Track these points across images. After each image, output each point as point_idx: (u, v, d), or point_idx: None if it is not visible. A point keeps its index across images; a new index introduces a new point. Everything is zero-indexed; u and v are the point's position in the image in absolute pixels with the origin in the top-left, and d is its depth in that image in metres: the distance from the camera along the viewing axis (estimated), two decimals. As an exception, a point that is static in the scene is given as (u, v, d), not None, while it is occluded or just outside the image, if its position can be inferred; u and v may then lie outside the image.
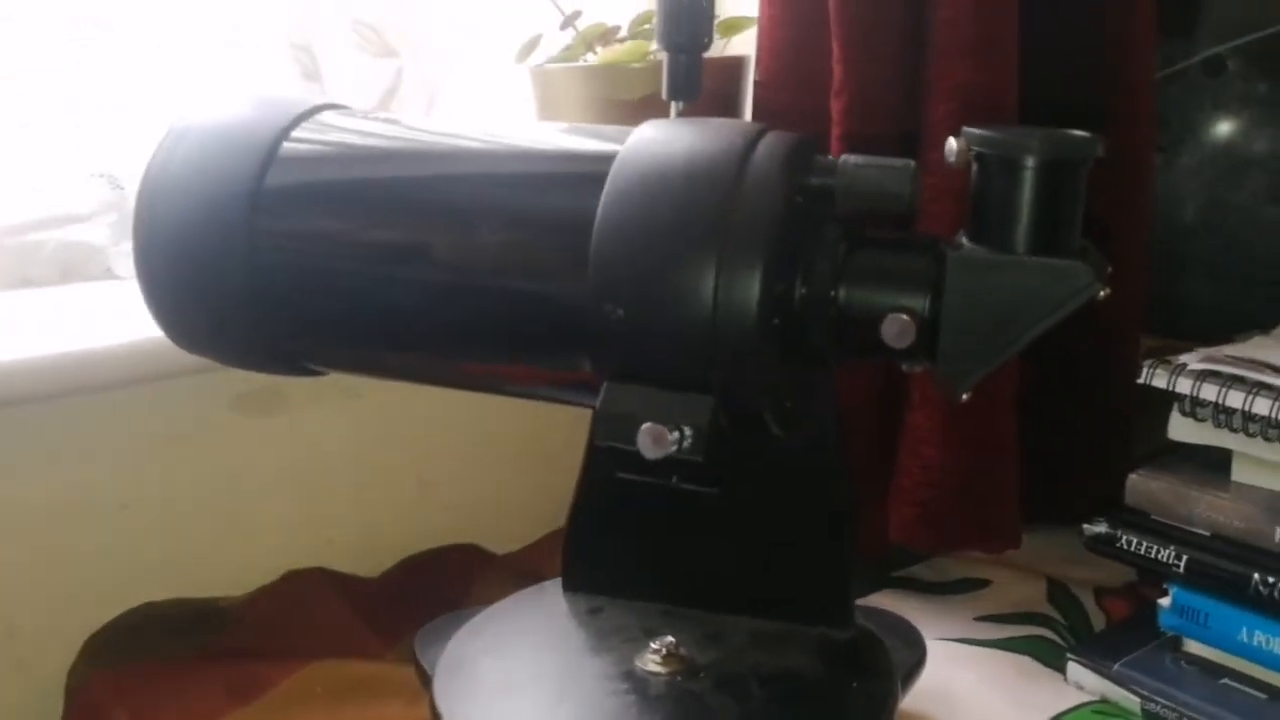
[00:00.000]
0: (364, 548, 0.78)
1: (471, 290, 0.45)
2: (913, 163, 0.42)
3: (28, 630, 0.68)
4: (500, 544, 0.83)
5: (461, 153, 0.47)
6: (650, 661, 0.55)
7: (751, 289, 0.40)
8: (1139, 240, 0.77)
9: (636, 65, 0.82)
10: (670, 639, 0.56)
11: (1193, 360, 0.63)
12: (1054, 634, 0.70)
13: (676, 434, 0.40)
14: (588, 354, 0.43)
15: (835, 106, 0.68)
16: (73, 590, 0.69)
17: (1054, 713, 0.62)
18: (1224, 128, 0.77)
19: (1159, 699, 0.61)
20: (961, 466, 0.68)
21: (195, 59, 0.90)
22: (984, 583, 0.76)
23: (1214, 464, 0.64)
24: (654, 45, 0.83)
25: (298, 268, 0.48)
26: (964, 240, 0.42)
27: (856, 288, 0.42)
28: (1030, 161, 0.39)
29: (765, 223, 0.41)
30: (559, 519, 0.84)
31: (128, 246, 0.87)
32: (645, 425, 0.40)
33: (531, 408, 0.82)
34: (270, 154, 0.47)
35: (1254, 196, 0.77)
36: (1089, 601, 0.74)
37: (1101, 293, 0.39)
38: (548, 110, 0.88)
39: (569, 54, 0.86)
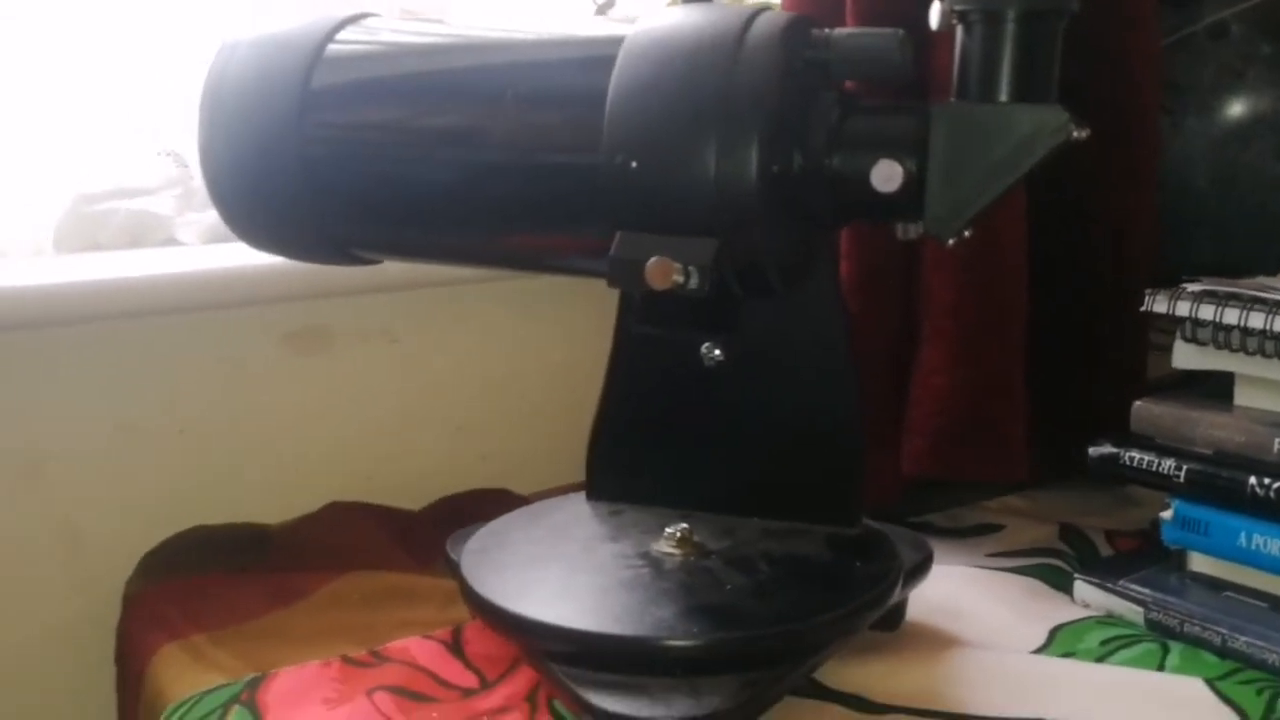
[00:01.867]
0: (401, 487, 0.82)
1: (500, 163, 0.49)
2: (902, 30, 0.46)
3: (91, 542, 0.73)
4: (530, 491, 0.87)
5: (489, 43, 0.52)
6: (665, 545, 0.58)
7: (749, 157, 0.44)
8: (1148, 203, 0.80)
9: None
10: (685, 525, 0.59)
11: (1192, 285, 0.66)
12: (1063, 563, 0.72)
13: (682, 272, 0.44)
14: (604, 209, 0.47)
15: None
16: (132, 507, 0.73)
17: (1058, 622, 0.64)
18: (1229, 90, 0.81)
19: (1161, 608, 0.62)
20: (970, 396, 0.71)
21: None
22: (998, 527, 0.78)
23: (1218, 391, 0.66)
24: None
25: (344, 156, 0.53)
26: (952, 99, 0.46)
27: (849, 150, 0.46)
28: (1009, 14, 0.43)
29: (763, 93, 0.45)
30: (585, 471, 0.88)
31: (191, 217, 0.94)
32: (653, 260, 0.44)
33: (559, 360, 0.87)
34: (316, 55, 0.53)
35: (1260, 156, 0.80)
36: (1100, 540, 0.75)
37: (1077, 133, 0.42)
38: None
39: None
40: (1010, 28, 0.43)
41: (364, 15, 0.55)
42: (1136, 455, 0.65)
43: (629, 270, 0.45)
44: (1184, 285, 0.66)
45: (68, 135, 0.91)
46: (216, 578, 0.71)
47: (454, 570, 0.60)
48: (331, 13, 0.56)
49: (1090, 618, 0.65)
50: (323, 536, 0.76)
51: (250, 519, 0.77)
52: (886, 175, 0.44)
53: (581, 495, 0.67)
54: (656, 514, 0.63)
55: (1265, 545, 0.61)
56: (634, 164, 0.45)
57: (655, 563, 0.57)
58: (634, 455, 0.65)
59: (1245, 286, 0.64)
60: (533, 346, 0.88)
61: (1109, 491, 0.81)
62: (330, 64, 0.53)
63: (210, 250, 0.90)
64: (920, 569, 0.62)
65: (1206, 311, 0.64)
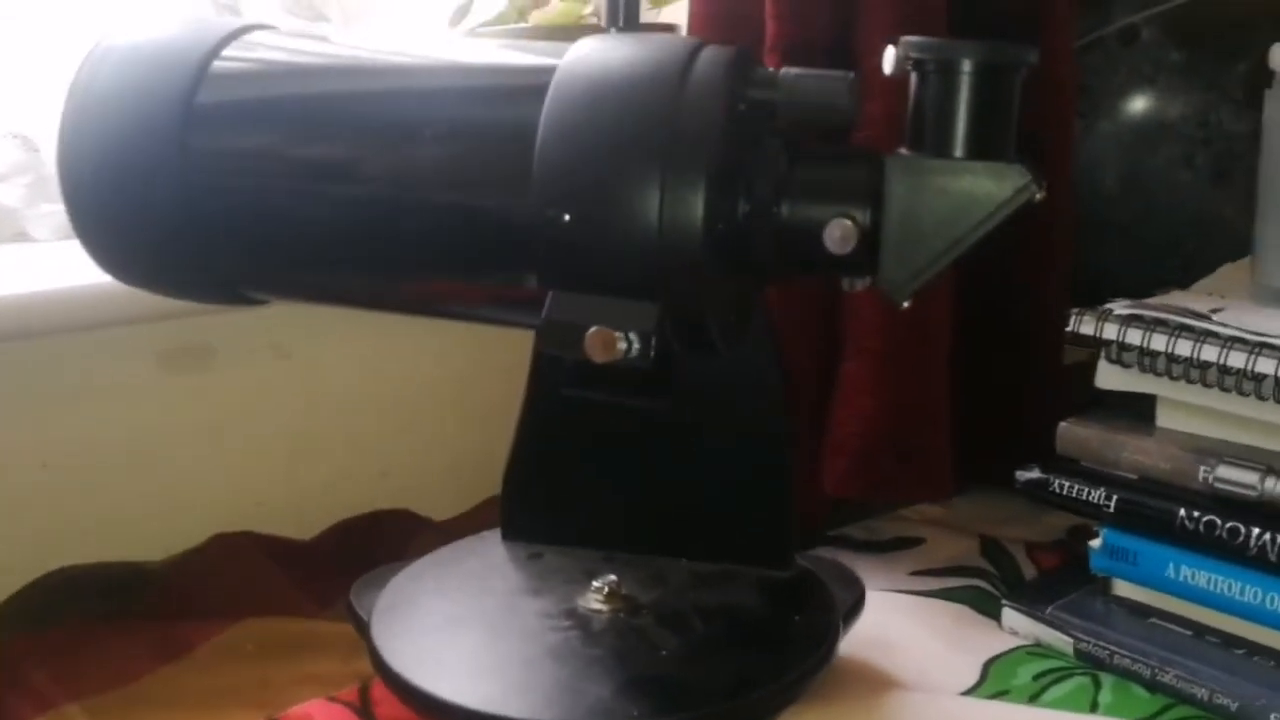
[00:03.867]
0: (294, 511, 0.77)
1: (412, 205, 0.44)
2: (852, 75, 0.42)
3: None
4: (434, 510, 0.82)
5: (399, 66, 0.46)
6: (593, 600, 0.55)
7: (696, 203, 0.40)
8: (1065, 207, 0.79)
9: (570, 28, 0.82)
10: (612, 578, 0.55)
11: (1118, 307, 0.65)
12: (988, 584, 0.71)
13: (624, 341, 0.40)
14: (532, 264, 0.43)
15: (769, 62, 0.69)
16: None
17: (989, 654, 0.63)
18: (1139, 95, 0.80)
19: (1090, 639, 0.62)
20: (895, 416, 0.69)
21: (116, 18, 0.88)
22: (918, 541, 0.77)
23: (1140, 413, 0.65)
24: (588, 8, 0.84)
25: (233, 186, 0.47)
26: (902, 150, 0.43)
27: (798, 201, 0.42)
28: (966, 66, 0.40)
29: (709, 134, 0.41)
30: (493, 487, 0.84)
31: (44, 209, 0.85)
32: (593, 329, 0.40)
33: (464, 370, 0.82)
34: (201, 71, 0.46)
35: (1169, 162, 0.79)
36: (1020, 555, 0.75)
37: (1038, 195, 0.40)
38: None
39: (501, 18, 0.86)
40: (967, 79, 0.40)
41: (256, 26, 0.49)
42: (1065, 483, 0.64)
43: (566, 337, 0.41)
44: (1109, 306, 0.65)
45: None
46: (88, 628, 0.64)
47: (361, 631, 0.56)
48: (217, 20, 0.49)
49: (1020, 648, 0.64)
50: (208, 575, 0.70)
51: (125, 557, 0.71)
52: (841, 236, 0.40)
53: (496, 534, 0.63)
54: (579, 558, 0.60)
55: (1193, 577, 0.60)
56: (566, 217, 0.41)
57: (583, 622, 0.53)
58: (552, 494, 0.61)
59: (1169, 309, 0.63)
60: (433, 354, 0.83)
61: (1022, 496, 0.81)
62: (218, 81, 0.47)
63: (67, 248, 0.82)
64: (854, 609, 0.59)
65: (1134, 336, 0.63)
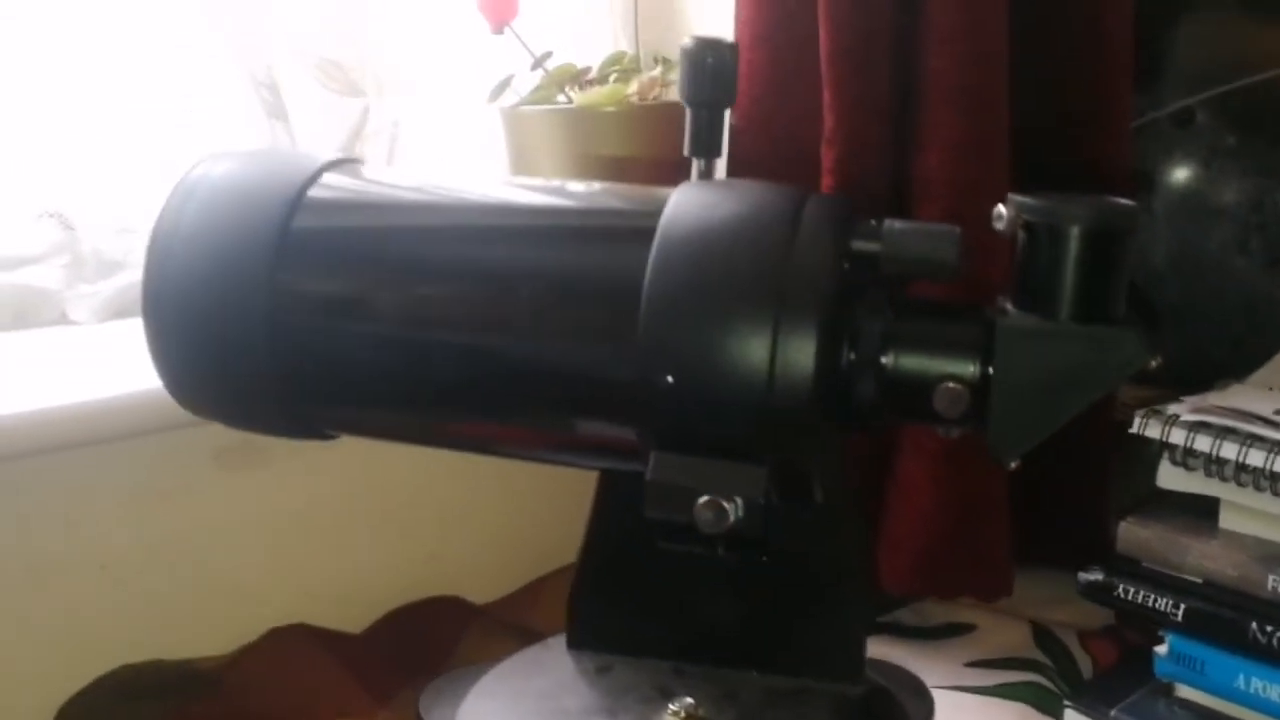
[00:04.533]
0: (346, 600, 0.76)
1: (509, 359, 0.44)
2: (957, 229, 0.42)
3: (4, 699, 0.65)
4: (481, 594, 0.82)
5: (493, 210, 0.46)
6: (670, 723, 0.54)
7: (808, 353, 0.40)
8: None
9: (612, 110, 0.82)
10: (689, 700, 0.55)
11: (1184, 411, 0.64)
12: (1046, 680, 0.71)
13: (733, 509, 0.40)
14: (633, 422, 0.42)
15: (827, 155, 0.69)
16: (47, 655, 0.66)
17: (1056, 761, 0.63)
18: (1193, 178, 0.80)
19: (1157, 748, 0.62)
20: (954, 516, 0.69)
21: (152, 94, 0.88)
22: (969, 627, 0.77)
23: (1201, 510, 0.65)
24: (631, 89, 0.84)
25: (323, 329, 0.46)
26: (1008, 306, 0.42)
27: (906, 354, 0.42)
28: (1077, 231, 0.40)
29: (820, 287, 0.41)
30: (539, 568, 0.84)
31: (82, 290, 0.85)
32: (703, 499, 0.39)
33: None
34: (292, 210, 0.46)
35: (1222, 247, 0.79)
36: (1074, 644, 0.75)
37: (1154, 363, 0.40)
38: (520, 153, 0.87)
39: (540, 95, 0.86)
40: (1078, 243, 0.40)
41: (339, 161, 0.49)
42: (1131, 588, 0.64)
43: (674, 501, 0.40)
44: (1174, 410, 0.65)
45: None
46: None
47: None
48: (296, 157, 0.49)
49: (1085, 752, 0.64)
50: (269, 672, 0.70)
51: (183, 655, 0.70)
52: (951, 401, 0.40)
53: (561, 642, 0.62)
54: (648, 670, 0.59)
55: (1265, 690, 0.60)
56: (670, 380, 0.40)
57: (663, 750, 0.53)
58: (620, 603, 0.61)
59: (1234, 414, 0.63)
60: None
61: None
62: (307, 219, 0.46)
63: (109, 332, 0.82)
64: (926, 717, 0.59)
65: (1202, 443, 0.63)
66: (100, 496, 0.67)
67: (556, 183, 0.47)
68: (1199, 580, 0.63)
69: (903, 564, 0.69)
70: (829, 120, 0.68)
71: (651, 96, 0.83)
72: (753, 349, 0.40)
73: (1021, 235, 0.41)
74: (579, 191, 0.46)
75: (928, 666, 0.72)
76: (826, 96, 0.68)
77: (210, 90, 0.87)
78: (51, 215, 0.87)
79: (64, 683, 0.66)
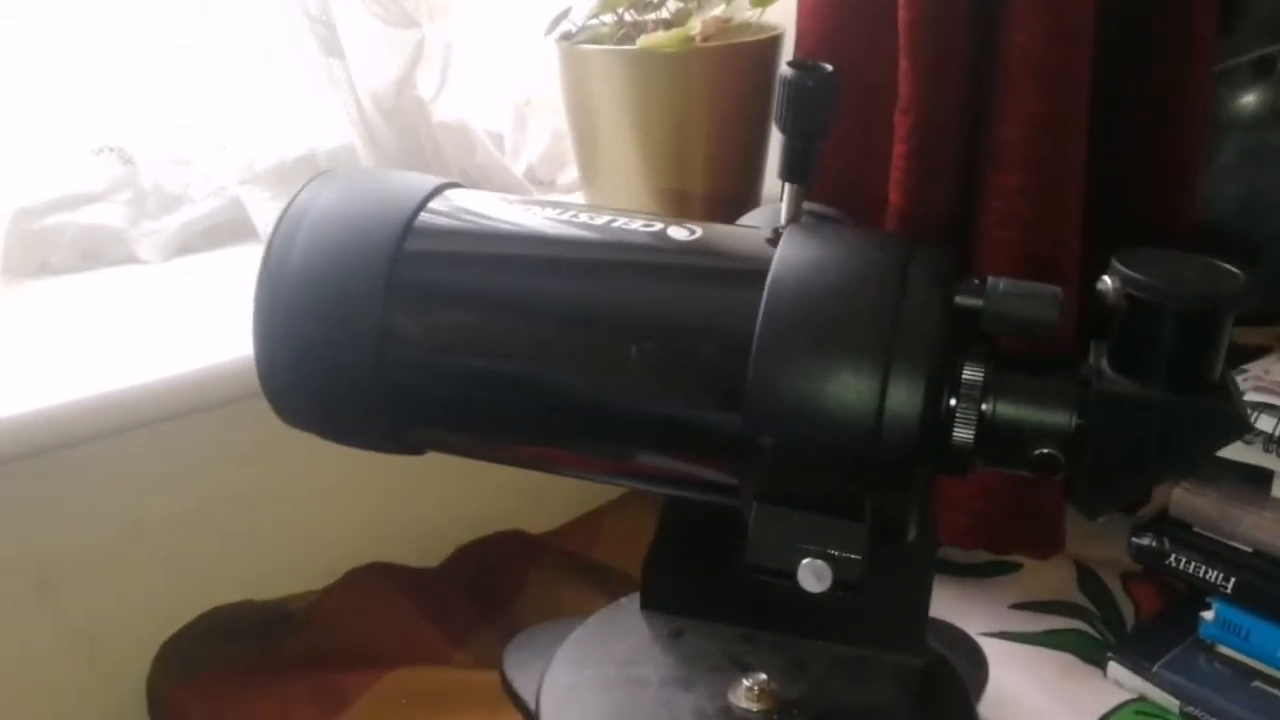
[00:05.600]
0: (418, 538, 0.80)
1: (617, 399, 0.45)
2: (1059, 291, 0.43)
3: (107, 641, 0.69)
4: (543, 527, 0.85)
5: (604, 246, 0.46)
6: (744, 698, 0.58)
7: (916, 399, 0.41)
8: (1189, 240, 0.78)
9: (673, 51, 0.80)
10: (762, 676, 0.59)
11: (1248, 387, 0.66)
12: (1090, 627, 0.74)
13: (832, 568, 0.42)
14: (736, 471, 0.44)
15: (901, 123, 0.68)
16: (148, 599, 0.70)
17: (1100, 713, 0.67)
18: (1268, 125, 0.79)
19: (1195, 706, 0.65)
20: (1010, 477, 0.71)
21: (205, 32, 0.86)
22: (1015, 566, 0.80)
23: (1256, 479, 0.67)
24: (693, 28, 0.82)
25: (428, 364, 0.48)
26: (1105, 366, 0.43)
27: (1005, 403, 0.44)
28: (1180, 309, 0.41)
29: (928, 337, 0.42)
30: (596, 499, 0.87)
31: (147, 227, 0.86)
32: (806, 561, 0.42)
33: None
34: (399, 242, 0.47)
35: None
36: (1116, 588, 0.78)
37: (1247, 435, 0.41)
38: (576, 91, 0.86)
39: (594, 32, 0.84)
40: (1178, 319, 0.41)
41: (444, 186, 0.49)
42: (1183, 558, 0.67)
43: (777, 560, 0.43)
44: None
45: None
46: (250, 674, 0.68)
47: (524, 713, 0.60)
48: (406, 179, 0.49)
49: (1128, 703, 0.68)
50: (349, 612, 0.74)
51: (272, 595, 0.74)
52: (1048, 466, 0.42)
53: (634, 604, 0.66)
54: (719, 637, 0.63)
55: (1307, 661, 0.63)
56: (771, 441, 0.42)
57: (739, 725, 0.57)
58: (694, 569, 0.64)
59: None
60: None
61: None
62: (417, 246, 0.47)
63: (176, 270, 0.83)
64: (981, 688, 0.63)
65: (1264, 424, 0.64)
66: (192, 455, 0.70)
67: (659, 222, 0.47)
68: (1249, 550, 0.66)
69: (959, 523, 0.72)
70: (905, 89, 0.67)
71: (715, 36, 0.81)
72: (861, 393, 0.41)
73: (1124, 301, 0.42)
74: (683, 234, 0.47)
75: (975, 609, 0.76)
76: (903, 65, 0.66)
77: (262, 28, 0.85)
78: (110, 150, 0.87)
79: (163, 624, 0.70)
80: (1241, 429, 0.40)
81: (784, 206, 0.51)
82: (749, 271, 0.44)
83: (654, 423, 0.45)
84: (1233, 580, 0.65)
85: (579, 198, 0.94)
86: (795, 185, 0.50)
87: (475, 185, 0.98)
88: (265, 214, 0.88)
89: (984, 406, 0.44)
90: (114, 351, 0.67)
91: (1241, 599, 0.65)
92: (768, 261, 0.44)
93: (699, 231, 0.46)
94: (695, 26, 0.81)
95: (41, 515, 0.66)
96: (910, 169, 0.68)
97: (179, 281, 0.82)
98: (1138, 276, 0.41)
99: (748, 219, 0.53)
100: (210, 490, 0.71)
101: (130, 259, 0.85)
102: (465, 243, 0.48)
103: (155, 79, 0.86)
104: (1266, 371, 0.69)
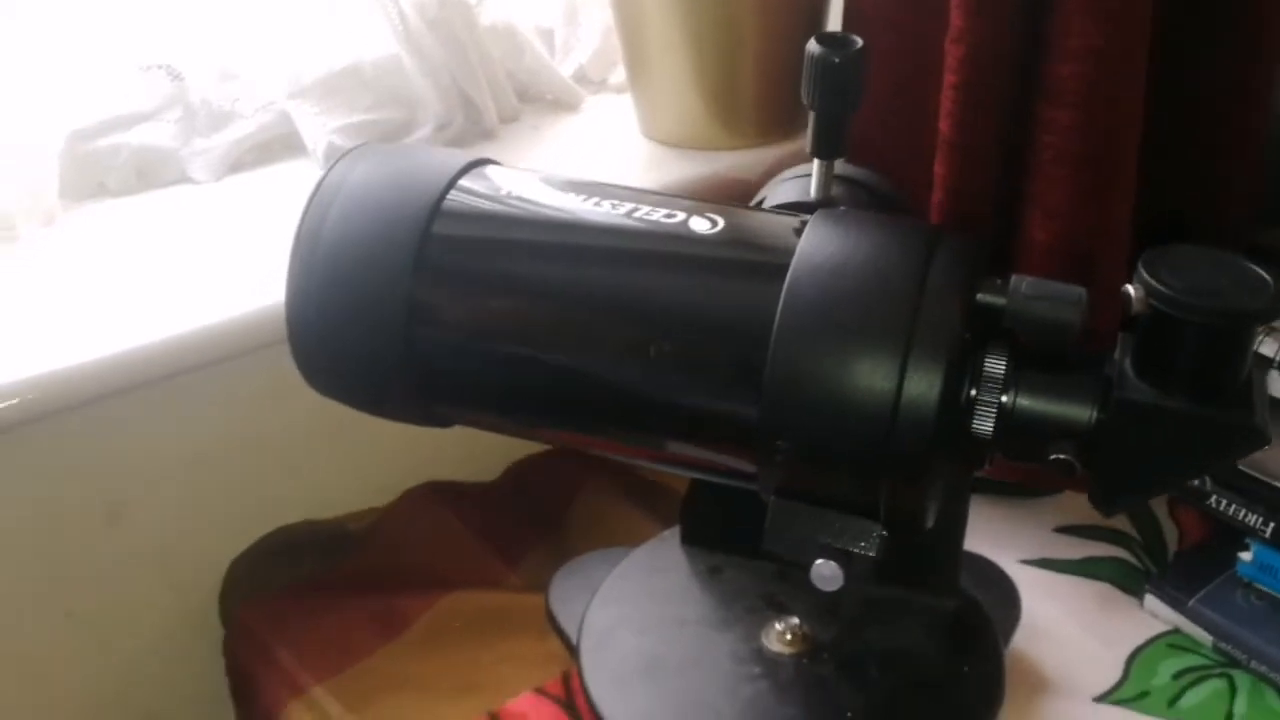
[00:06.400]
0: (470, 455, 0.82)
1: (637, 392, 0.46)
2: (1083, 292, 0.42)
3: (180, 556, 0.74)
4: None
5: (630, 234, 0.46)
6: (777, 641, 0.60)
7: (934, 386, 0.41)
8: (1250, 153, 0.75)
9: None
10: (794, 621, 0.61)
11: (1297, 332, 0.64)
12: (1131, 556, 0.75)
13: (845, 566, 0.43)
14: (754, 463, 0.45)
15: (952, 53, 0.66)
16: (216, 522, 0.74)
17: (1133, 645, 0.68)
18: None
19: (1228, 642, 0.66)
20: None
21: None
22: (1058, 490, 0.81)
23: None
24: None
25: (456, 344, 0.49)
26: (1128, 367, 0.43)
27: (1026, 395, 0.44)
28: (1203, 317, 0.40)
29: (948, 326, 0.42)
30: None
31: (199, 145, 0.87)
32: (819, 563, 0.43)
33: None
34: (428, 223, 0.47)
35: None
36: (1162, 513, 0.78)
37: (1267, 445, 0.41)
38: (626, 13, 0.84)
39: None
40: (1202, 330, 0.40)
41: (480, 163, 0.50)
42: (1223, 499, 0.66)
43: (792, 549, 0.44)
44: (1292, 327, 0.65)
45: (22, 52, 0.81)
46: (313, 594, 0.72)
47: (567, 647, 0.63)
48: (441, 160, 0.50)
49: (1161, 637, 0.69)
50: (406, 535, 0.77)
51: (331, 514, 0.78)
52: (1064, 468, 0.42)
53: (675, 538, 0.68)
54: (755, 574, 0.65)
55: (1341, 605, 0.64)
56: (788, 445, 0.43)
57: (771, 669, 0.59)
58: (731, 506, 0.65)
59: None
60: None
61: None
62: (445, 228, 0.48)
63: (229, 190, 0.84)
64: (1013, 628, 0.64)
65: (1315, 367, 0.63)
66: (249, 389, 0.72)
67: (681, 211, 0.47)
68: (1290, 489, 0.65)
69: (1001, 461, 0.72)
70: (956, 18, 0.64)
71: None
72: (878, 382, 0.42)
73: (1148, 309, 0.41)
74: (704, 226, 0.46)
75: (1018, 531, 0.77)
76: (954, -8, 0.64)
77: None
78: (159, 67, 0.87)
79: (232, 544, 0.75)
80: (1260, 442, 0.40)
81: (814, 181, 0.50)
82: (770, 265, 0.44)
83: (675, 412, 0.46)
84: (1271, 525, 0.65)
85: (628, 99, 0.92)
86: (825, 161, 0.49)
87: (523, 89, 0.98)
88: (313, 129, 0.88)
89: (1004, 399, 0.44)
90: (172, 291, 0.70)
91: (1279, 544, 0.65)
92: (789, 254, 0.44)
93: (721, 223, 0.46)
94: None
95: (108, 449, 0.69)
96: (961, 100, 0.66)
97: (232, 203, 0.83)
98: (1161, 288, 0.40)
99: (779, 189, 0.52)
100: (268, 420, 0.74)
101: (184, 178, 0.86)
102: (491, 227, 0.49)
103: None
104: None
